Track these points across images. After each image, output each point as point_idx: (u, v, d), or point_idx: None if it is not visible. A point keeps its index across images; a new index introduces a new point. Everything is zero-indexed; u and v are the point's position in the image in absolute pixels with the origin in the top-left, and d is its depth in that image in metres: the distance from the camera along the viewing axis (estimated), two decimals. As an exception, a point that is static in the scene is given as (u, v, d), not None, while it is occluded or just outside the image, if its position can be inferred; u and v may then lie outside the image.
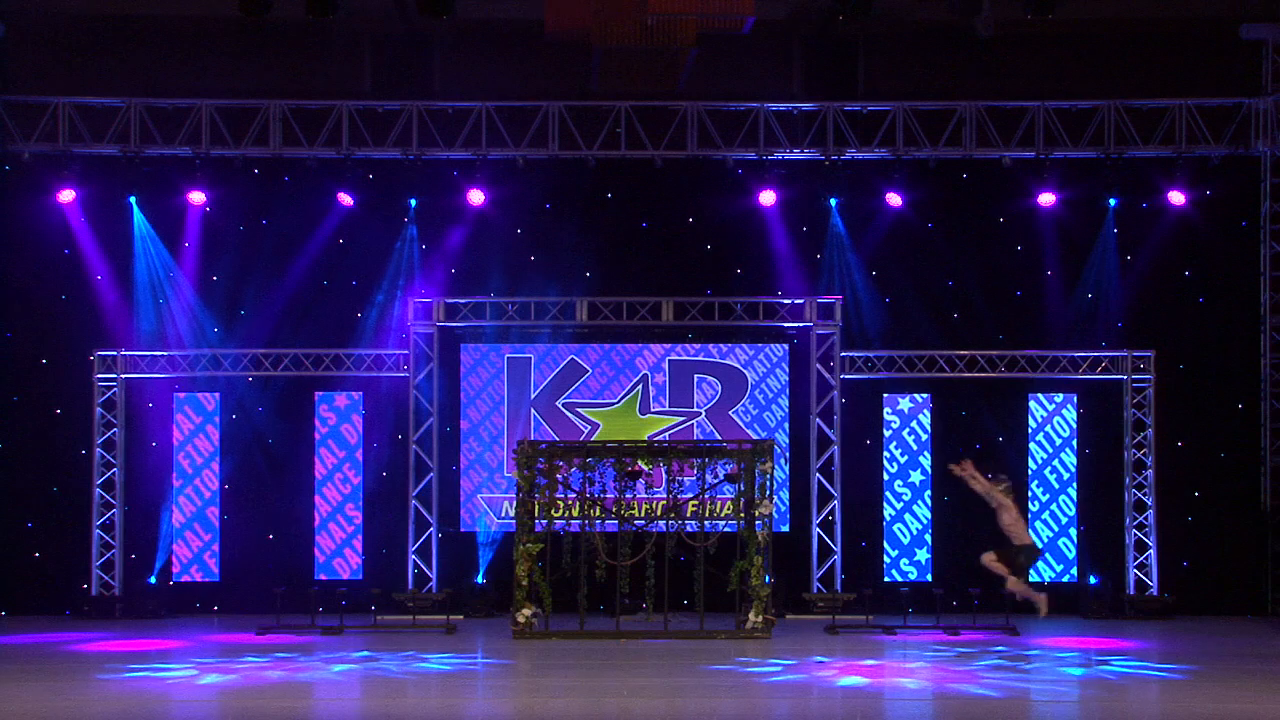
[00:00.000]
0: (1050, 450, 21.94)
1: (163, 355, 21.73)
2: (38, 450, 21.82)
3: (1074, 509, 21.84)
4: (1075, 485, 21.89)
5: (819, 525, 21.65)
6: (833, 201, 22.03)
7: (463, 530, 21.98)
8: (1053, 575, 21.81)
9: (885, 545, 21.95)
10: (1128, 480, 21.63)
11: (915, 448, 21.98)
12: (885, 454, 22.03)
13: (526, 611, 18.76)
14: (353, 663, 16.85)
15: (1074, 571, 21.78)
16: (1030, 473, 21.92)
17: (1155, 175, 21.77)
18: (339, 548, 21.77)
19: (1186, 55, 21.94)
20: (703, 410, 22.12)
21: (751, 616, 18.83)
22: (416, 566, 21.46)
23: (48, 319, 22.00)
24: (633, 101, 21.49)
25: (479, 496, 22.08)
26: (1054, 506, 21.86)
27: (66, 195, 21.57)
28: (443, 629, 19.75)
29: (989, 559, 16.66)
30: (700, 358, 22.21)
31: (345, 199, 21.67)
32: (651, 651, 17.78)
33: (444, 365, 21.91)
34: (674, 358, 22.20)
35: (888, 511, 21.95)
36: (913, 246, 22.17)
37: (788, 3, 21.33)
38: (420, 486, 21.56)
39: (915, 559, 21.89)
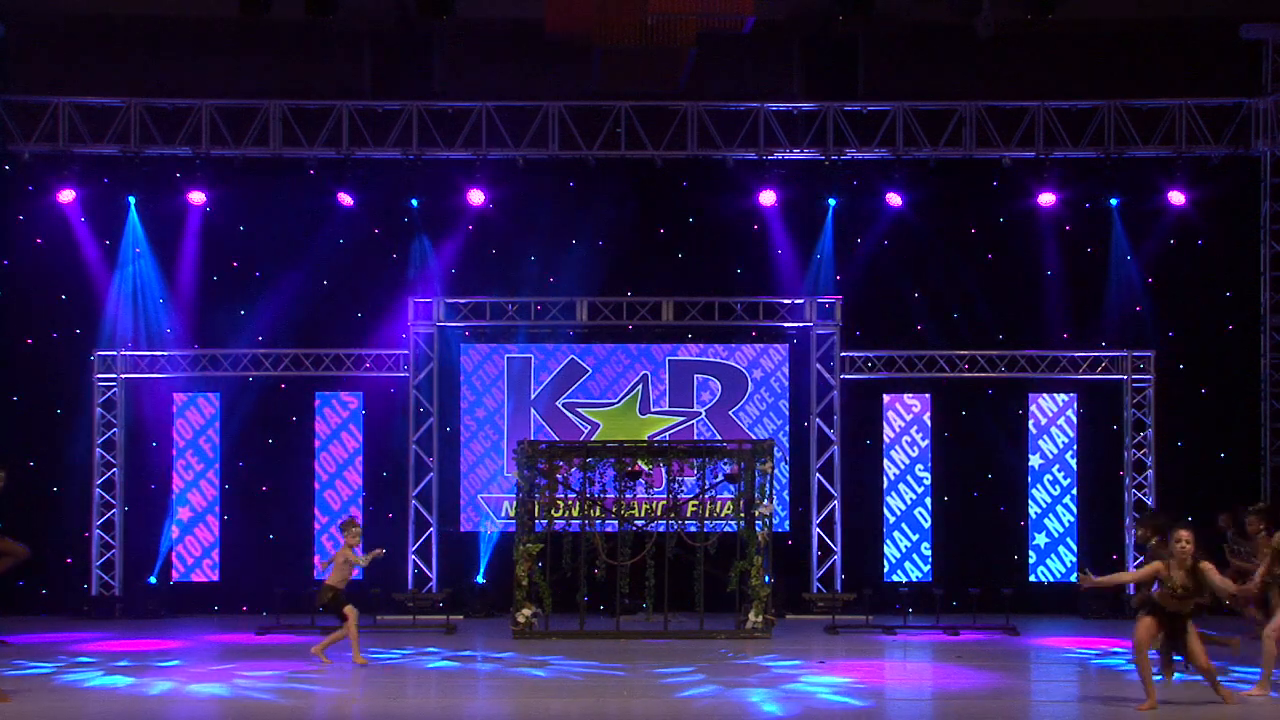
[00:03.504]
0: (1050, 451, 21.94)
1: (162, 355, 21.74)
2: (38, 450, 21.82)
3: (1074, 509, 21.84)
4: (1075, 485, 21.90)
5: (819, 525, 21.65)
6: (833, 201, 22.03)
7: (463, 530, 21.99)
8: (1054, 576, 21.82)
9: (885, 545, 21.95)
10: (1128, 480, 21.64)
11: (915, 448, 21.98)
12: (885, 454, 22.04)
13: (526, 611, 18.76)
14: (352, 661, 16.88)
15: (1074, 573, 21.78)
16: (1030, 473, 21.92)
17: (1155, 175, 21.78)
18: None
19: (1186, 55, 21.94)
20: (703, 410, 22.13)
21: (751, 616, 18.82)
22: (416, 566, 21.46)
23: (48, 319, 22.01)
24: (633, 101, 21.49)
25: (479, 497, 22.08)
26: (1056, 508, 21.86)
27: (66, 195, 21.58)
28: (443, 629, 19.74)
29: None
30: (700, 358, 22.22)
31: (345, 199, 21.68)
32: (652, 651, 17.77)
33: (444, 365, 21.92)
34: (674, 358, 22.20)
35: (888, 511, 21.96)
36: (913, 246, 22.17)
37: (788, 3, 21.34)
38: (420, 486, 21.56)
39: (915, 559, 21.89)
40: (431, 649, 17.96)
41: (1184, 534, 13.59)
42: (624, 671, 16.01)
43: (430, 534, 21.57)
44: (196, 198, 21.68)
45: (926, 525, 21.91)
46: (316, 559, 21.72)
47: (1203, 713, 13.69)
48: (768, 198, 21.84)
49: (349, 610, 16.80)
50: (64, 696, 14.55)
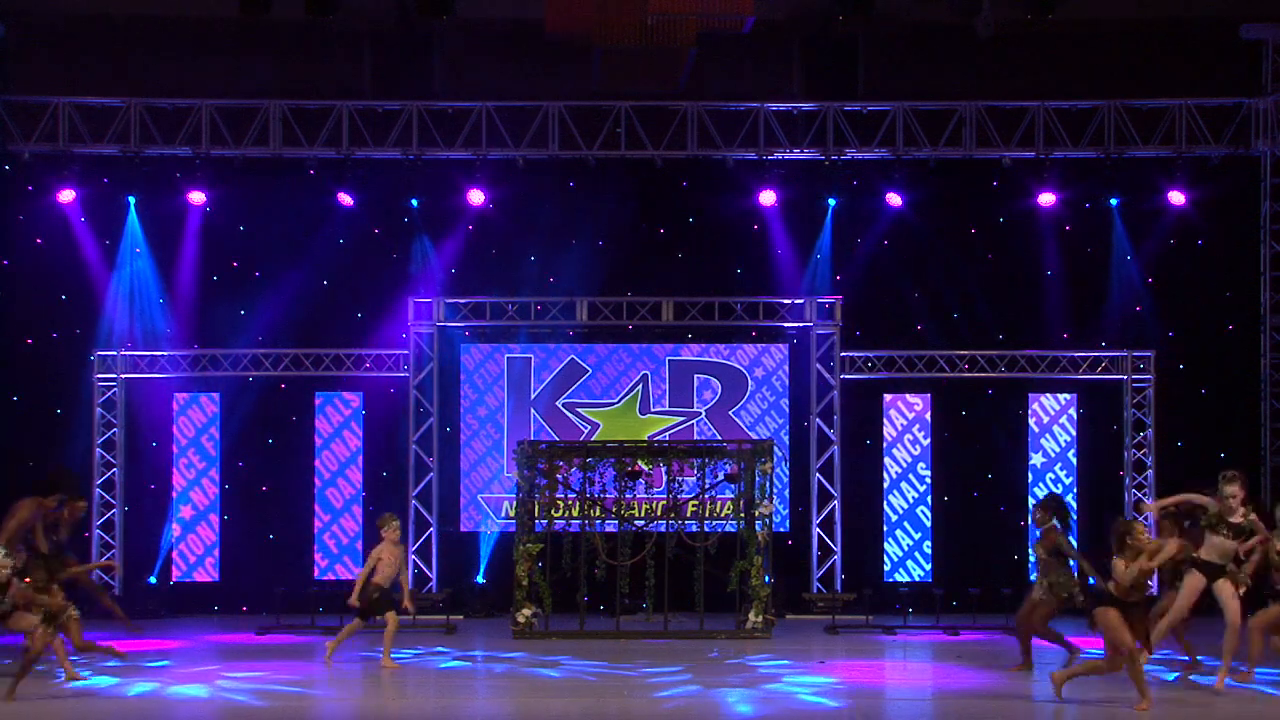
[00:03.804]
0: (1051, 451, 21.93)
1: (163, 355, 21.74)
2: (38, 451, 21.79)
3: (1075, 509, 21.81)
4: (1076, 486, 21.89)
5: (819, 525, 21.65)
6: (832, 201, 22.03)
7: (463, 530, 21.99)
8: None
9: (886, 545, 21.95)
10: (1128, 480, 21.64)
11: (915, 448, 21.98)
12: (885, 454, 22.03)
13: (526, 611, 18.76)
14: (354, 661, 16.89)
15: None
16: (1031, 473, 21.92)
17: (1155, 175, 21.78)
18: (339, 548, 21.77)
19: (1186, 55, 21.94)
20: (703, 410, 22.12)
21: (751, 616, 18.82)
22: (416, 566, 21.46)
23: (48, 319, 22.01)
24: (633, 101, 21.49)
25: (480, 497, 22.08)
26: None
27: (66, 195, 21.58)
28: (443, 629, 19.74)
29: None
30: (700, 358, 22.22)
31: (345, 199, 21.68)
32: (652, 651, 17.77)
33: (444, 365, 21.92)
34: (674, 358, 22.20)
35: (888, 511, 21.95)
36: (913, 246, 22.17)
37: (788, 3, 21.33)
38: (420, 486, 21.56)
39: (916, 559, 21.89)
40: (440, 649, 17.98)
41: (1138, 527, 13.91)
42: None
43: (430, 534, 21.57)
44: (196, 198, 21.68)
45: (927, 525, 21.91)
46: (318, 557, 21.80)
47: (1200, 713, 13.69)
48: (768, 198, 21.84)
49: (390, 615, 16.60)
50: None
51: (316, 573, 21.69)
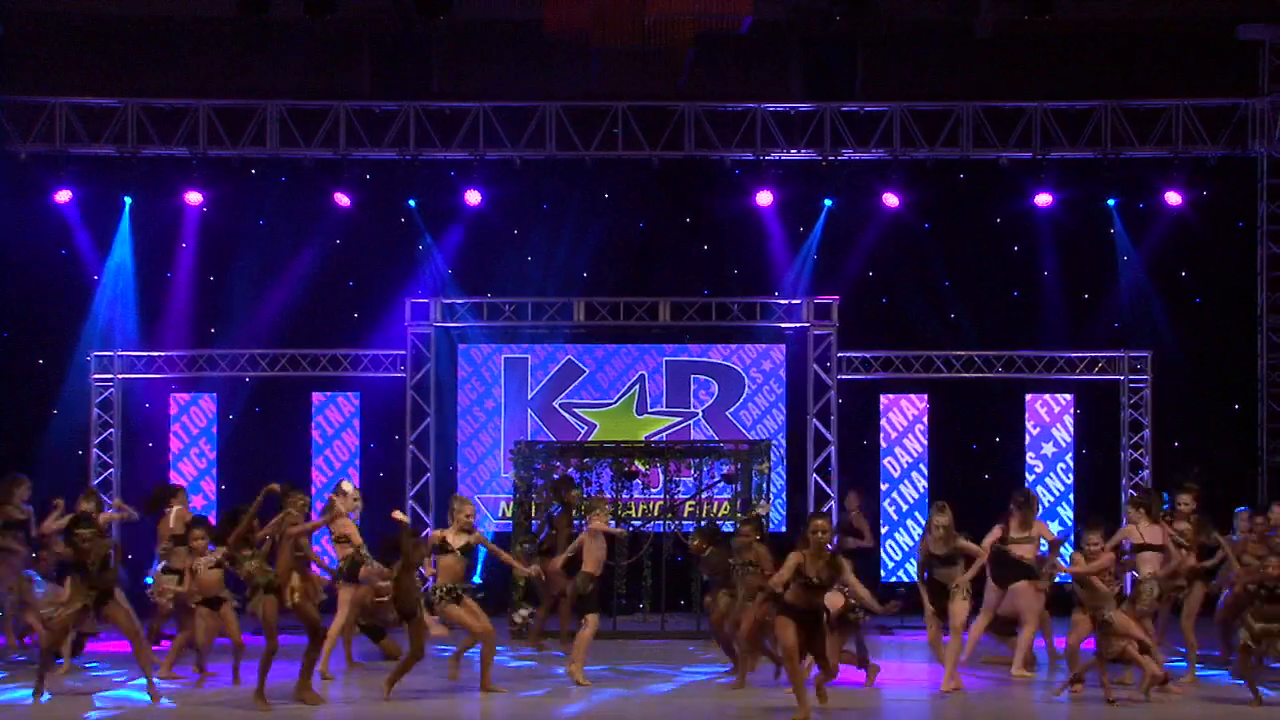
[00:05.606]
0: (1049, 451, 21.92)
1: (159, 356, 21.71)
2: (35, 452, 21.78)
3: (1073, 510, 21.82)
4: (1074, 487, 21.88)
5: (817, 526, 21.59)
6: (829, 202, 22.04)
7: (460, 531, 21.95)
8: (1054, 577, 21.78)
9: (884, 546, 21.93)
10: (1124, 481, 21.64)
11: (913, 449, 21.95)
12: (883, 455, 22.02)
13: (523, 611, 18.75)
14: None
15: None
16: (1029, 473, 21.91)
17: (1152, 176, 21.79)
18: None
19: (1184, 56, 21.97)
20: (700, 411, 22.12)
21: (749, 616, 18.78)
22: (414, 567, 21.41)
23: (45, 319, 21.99)
24: (630, 102, 21.49)
25: (477, 497, 22.04)
26: (1056, 509, 21.84)
27: (64, 195, 21.57)
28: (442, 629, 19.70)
29: None
30: (698, 358, 22.21)
31: (342, 199, 21.68)
32: (649, 651, 17.76)
33: (441, 366, 21.90)
34: (671, 358, 22.20)
35: (886, 512, 21.92)
36: (910, 246, 22.18)
37: (786, 3, 21.33)
38: (418, 487, 21.54)
39: (914, 560, 21.85)
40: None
41: (819, 523, 13.34)
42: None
43: (427, 534, 21.49)
44: (194, 198, 21.68)
45: (925, 525, 21.86)
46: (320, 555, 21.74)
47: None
48: (765, 198, 21.84)
49: (590, 618, 15.15)
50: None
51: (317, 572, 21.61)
